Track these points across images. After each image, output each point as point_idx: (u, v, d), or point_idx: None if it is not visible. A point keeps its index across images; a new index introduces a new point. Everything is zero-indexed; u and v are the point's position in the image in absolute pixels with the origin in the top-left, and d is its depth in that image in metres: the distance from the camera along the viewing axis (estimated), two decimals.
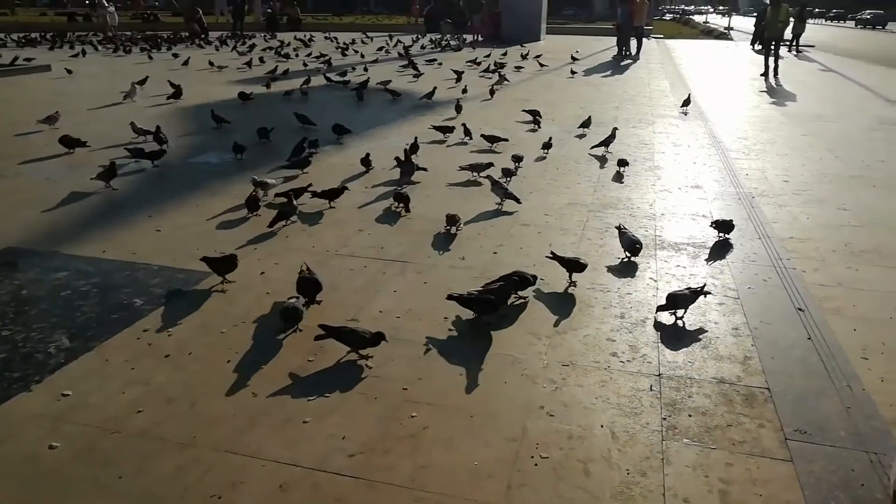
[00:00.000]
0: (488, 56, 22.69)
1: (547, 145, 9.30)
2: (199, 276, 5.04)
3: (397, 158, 7.99)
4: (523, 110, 11.83)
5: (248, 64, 19.83)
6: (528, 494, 2.91)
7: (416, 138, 9.22)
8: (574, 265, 5.01)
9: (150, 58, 22.49)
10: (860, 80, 18.47)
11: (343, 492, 2.92)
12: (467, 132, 10.02)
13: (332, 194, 6.82)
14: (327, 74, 16.54)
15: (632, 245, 5.47)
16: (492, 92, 14.59)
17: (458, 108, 12.06)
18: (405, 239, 5.95)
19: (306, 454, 3.16)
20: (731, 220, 6.10)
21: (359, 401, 3.59)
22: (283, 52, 24.03)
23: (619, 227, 5.72)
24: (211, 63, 19.75)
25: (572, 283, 4.99)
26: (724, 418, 3.43)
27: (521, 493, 2.92)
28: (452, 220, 6.07)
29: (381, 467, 3.08)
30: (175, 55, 22.38)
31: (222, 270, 4.94)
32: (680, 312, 4.49)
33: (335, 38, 30.77)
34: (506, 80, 16.28)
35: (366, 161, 8.24)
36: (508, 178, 7.65)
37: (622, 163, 8.30)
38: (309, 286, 4.60)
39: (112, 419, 3.41)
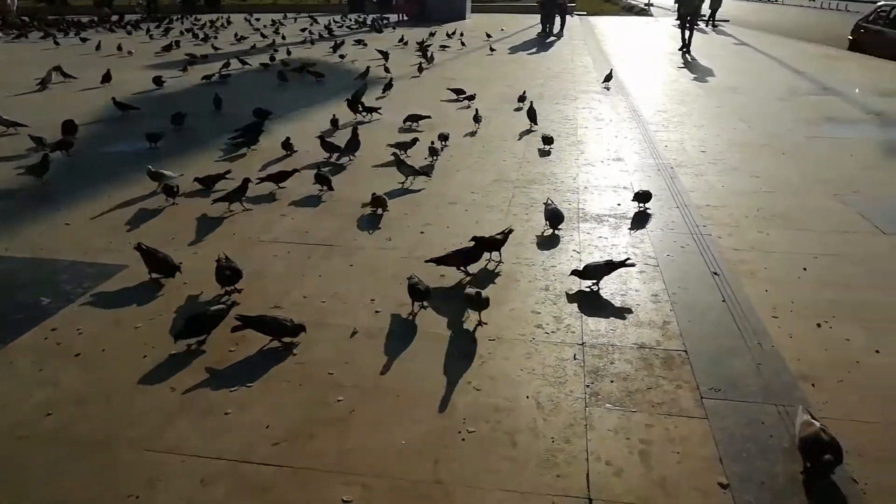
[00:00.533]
0: (402, 40, 22.49)
1: (476, 118, 9.39)
2: (112, 270, 4.83)
3: (320, 137, 7.93)
4: (448, 88, 11.81)
5: (167, 48, 19.03)
6: (456, 469, 2.93)
7: (334, 115, 9.34)
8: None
9: (57, 43, 21.26)
10: (771, 52, 19.21)
11: (268, 481, 2.87)
12: (368, 109, 10.08)
13: (280, 177, 6.72)
14: (242, 58, 15.98)
15: (553, 216, 5.58)
16: (420, 69, 14.57)
17: (388, 87, 12.16)
18: (330, 222, 5.86)
19: (229, 446, 3.09)
20: (649, 191, 6.26)
21: (283, 388, 3.52)
22: (201, 36, 23.15)
23: (546, 203, 5.81)
24: (119, 48, 18.82)
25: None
26: (644, 382, 3.54)
27: (449, 468, 2.94)
28: (378, 201, 6.01)
29: (307, 453, 3.04)
30: (84, 39, 21.19)
31: (162, 269, 4.72)
32: (590, 283, 4.58)
33: (257, 19, 29.86)
34: (431, 59, 16.17)
35: (287, 145, 8.06)
36: (435, 157, 7.66)
37: (546, 139, 8.39)
38: (227, 275, 4.46)
39: (19, 424, 3.24)
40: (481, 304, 4.12)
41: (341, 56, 17.40)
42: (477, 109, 9.73)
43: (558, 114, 10.53)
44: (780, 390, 3.43)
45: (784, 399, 3.35)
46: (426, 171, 7.06)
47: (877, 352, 3.88)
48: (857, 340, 3.99)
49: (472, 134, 9.10)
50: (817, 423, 2.92)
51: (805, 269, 4.97)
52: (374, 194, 6.05)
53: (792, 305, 4.43)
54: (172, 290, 4.58)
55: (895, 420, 3.27)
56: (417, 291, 4.23)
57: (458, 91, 11.46)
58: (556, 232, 5.61)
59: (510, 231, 5.11)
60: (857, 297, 4.53)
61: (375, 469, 2.92)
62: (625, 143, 8.72)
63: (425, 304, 4.32)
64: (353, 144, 7.82)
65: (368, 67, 13.82)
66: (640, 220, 5.93)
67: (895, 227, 5.76)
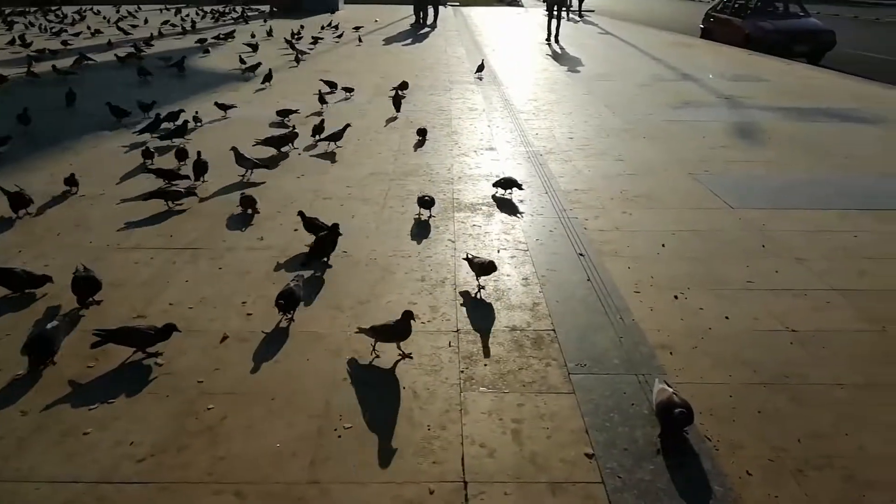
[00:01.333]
0: (270, 32, 21.91)
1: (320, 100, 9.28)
2: None
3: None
4: (321, 80, 11.62)
5: (11, 42, 17.50)
6: (332, 467, 2.91)
7: (196, 112, 9.07)
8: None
9: None
10: (632, 41, 20.30)
11: (132, 500, 2.72)
12: (223, 107, 9.74)
13: (169, 175, 6.41)
14: (87, 53, 14.78)
15: (422, 201, 5.75)
16: (297, 60, 14.35)
17: (268, 78, 12.15)
18: (197, 224, 5.61)
19: (88, 467, 2.90)
20: (513, 178, 6.44)
21: (148, 401, 3.35)
22: (53, 30, 21.45)
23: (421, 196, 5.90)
24: None
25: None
26: (516, 363, 3.66)
27: (325, 466, 2.91)
28: (248, 201, 5.82)
29: (176, 466, 2.91)
30: None
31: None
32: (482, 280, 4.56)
33: (117, 10, 28.04)
34: (304, 52, 15.83)
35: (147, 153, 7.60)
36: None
37: (421, 132, 8.45)
38: (85, 286, 4.18)
39: None
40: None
41: (206, 51, 16.66)
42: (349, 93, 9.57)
43: (433, 105, 10.63)
44: (640, 361, 3.65)
45: (644, 368, 3.57)
46: (266, 163, 7.02)
47: (726, 318, 4.21)
48: (709, 309, 4.31)
49: (348, 127, 9.00)
50: (670, 389, 3.14)
51: (663, 245, 5.30)
52: (242, 193, 5.85)
53: (652, 280, 4.72)
54: (27, 306, 4.23)
55: (742, 380, 3.56)
56: (292, 297, 4.07)
57: (332, 84, 11.30)
58: (430, 220, 5.69)
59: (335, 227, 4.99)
60: (709, 268, 4.89)
61: (248, 476, 2.85)
62: (497, 133, 8.94)
63: (290, 314, 4.14)
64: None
65: (259, 63, 13.38)
66: (511, 208, 6.10)
67: (741, 202, 6.26)
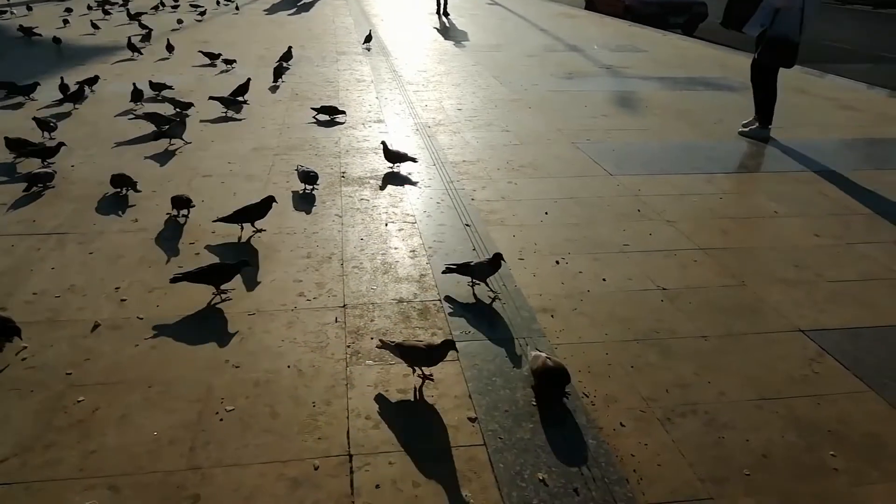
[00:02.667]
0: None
1: (241, 90, 8.80)
2: None
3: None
4: (200, 52, 11.08)
5: None
6: (213, 451, 2.84)
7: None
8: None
9: None
10: (519, 11, 20.60)
11: None
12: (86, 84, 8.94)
13: (47, 153, 5.96)
14: None
15: (307, 176, 5.66)
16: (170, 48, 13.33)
17: (132, 48, 11.39)
18: (62, 208, 5.25)
19: None
20: (399, 151, 6.41)
21: (10, 398, 3.13)
22: None
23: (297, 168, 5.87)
24: None
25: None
26: (403, 334, 3.68)
27: (206, 451, 2.83)
28: (120, 180, 5.47)
29: (42, 465, 2.75)
30: None
31: None
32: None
33: None
34: (147, 28, 14.29)
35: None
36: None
37: (327, 109, 8.11)
38: None
39: None
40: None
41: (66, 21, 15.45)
42: (249, 79, 9.07)
43: (319, 76, 10.39)
44: (520, 325, 3.77)
45: (524, 332, 3.69)
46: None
47: (603, 280, 4.41)
48: (587, 272, 4.51)
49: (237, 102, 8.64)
50: (543, 354, 3.26)
51: (546, 212, 5.47)
52: (113, 174, 5.51)
53: (535, 247, 4.87)
54: None
55: (617, 338, 3.76)
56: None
57: (212, 55, 10.79)
58: (316, 194, 5.61)
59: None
60: (588, 233, 5.10)
61: (123, 468, 2.73)
62: (386, 105, 8.86)
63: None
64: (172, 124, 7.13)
65: (151, 30, 12.51)
66: (399, 181, 6.09)
67: (619, 169, 6.54)
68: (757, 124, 7.85)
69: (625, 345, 3.71)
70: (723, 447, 2.96)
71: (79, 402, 3.11)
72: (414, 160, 6.40)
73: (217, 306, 3.94)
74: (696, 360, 3.58)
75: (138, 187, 5.51)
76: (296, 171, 5.78)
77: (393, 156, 6.32)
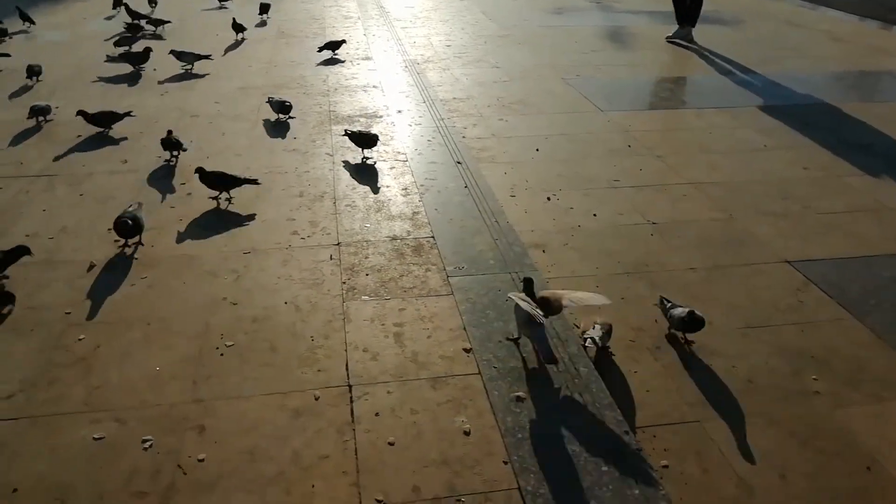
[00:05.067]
0: None
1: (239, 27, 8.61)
2: None
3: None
4: None
5: None
6: (215, 384, 2.90)
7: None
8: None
9: None
10: None
11: (1, 438, 2.61)
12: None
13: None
14: None
15: (281, 106, 5.76)
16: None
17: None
18: (49, 150, 5.19)
19: None
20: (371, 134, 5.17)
21: (11, 338, 3.17)
22: None
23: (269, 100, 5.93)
24: None
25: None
26: (397, 270, 3.73)
27: (208, 384, 2.90)
28: (100, 118, 5.38)
29: (47, 400, 2.81)
30: None
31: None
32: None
33: None
34: None
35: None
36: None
37: (332, 45, 7.96)
38: None
39: None
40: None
41: None
42: (234, 18, 8.87)
43: (305, 13, 10.14)
44: (513, 260, 3.82)
45: (516, 267, 3.74)
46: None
47: (594, 215, 4.45)
48: (578, 208, 4.54)
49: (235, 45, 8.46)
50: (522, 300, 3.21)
51: (538, 149, 5.47)
52: (82, 112, 5.38)
53: (527, 184, 4.88)
54: None
55: (608, 271, 3.83)
56: (125, 227, 3.76)
57: None
58: (289, 121, 5.81)
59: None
60: (579, 169, 5.11)
61: (127, 402, 2.80)
62: (374, 42, 8.70)
63: (134, 242, 3.94)
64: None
65: None
66: (390, 118, 6.03)
67: (610, 104, 6.51)
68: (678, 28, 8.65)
69: (615, 277, 3.78)
70: (709, 373, 3.06)
71: (79, 339, 3.16)
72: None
73: (215, 246, 3.95)
74: (685, 291, 3.66)
75: (184, 146, 5.15)
76: (268, 102, 5.86)
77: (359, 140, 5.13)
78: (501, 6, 11.17)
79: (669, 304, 3.32)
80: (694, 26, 8.49)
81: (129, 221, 3.76)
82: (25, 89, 6.62)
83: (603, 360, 3.13)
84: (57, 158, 5.05)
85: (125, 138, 5.45)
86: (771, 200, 4.68)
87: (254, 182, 4.47)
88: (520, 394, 2.83)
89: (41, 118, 5.63)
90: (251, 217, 4.28)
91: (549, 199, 4.66)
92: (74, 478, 2.42)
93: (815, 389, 2.98)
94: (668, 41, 8.55)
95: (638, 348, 3.23)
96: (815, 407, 2.89)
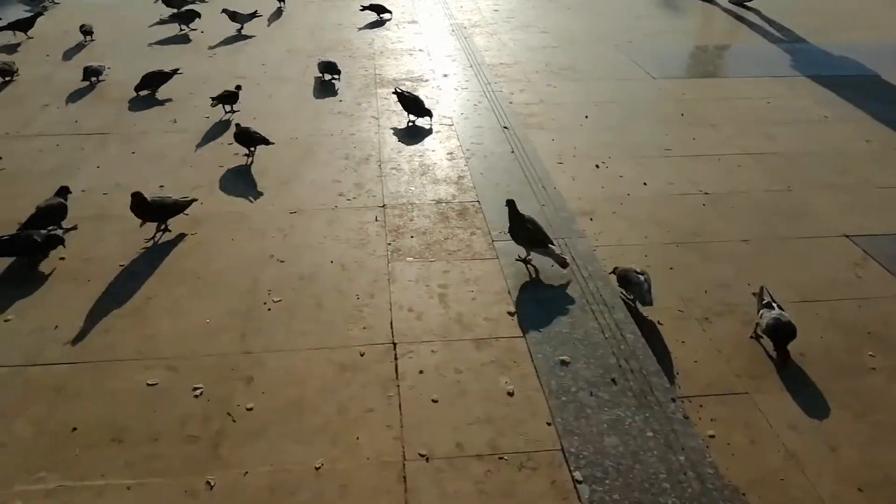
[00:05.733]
0: None
1: None
2: None
3: None
4: None
5: None
6: (263, 337, 2.95)
7: None
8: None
9: None
10: None
11: (61, 380, 2.71)
12: None
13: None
14: None
15: (328, 66, 5.83)
16: None
17: None
18: (103, 109, 5.29)
19: (12, 352, 2.85)
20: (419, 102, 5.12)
21: (69, 288, 3.27)
22: None
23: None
24: None
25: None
26: (442, 233, 3.72)
27: (256, 337, 2.95)
28: (152, 78, 5.49)
29: (103, 347, 2.89)
30: None
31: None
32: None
33: None
34: None
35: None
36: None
37: (375, 8, 7.90)
38: None
39: None
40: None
41: None
42: None
43: None
44: (560, 226, 3.77)
45: (563, 233, 3.69)
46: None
47: (644, 184, 4.36)
48: (628, 176, 4.45)
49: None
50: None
51: (587, 116, 5.36)
52: (143, 76, 5.48)
53: (574, 151, 4.80)
54: None
55: (657, 241, 3.75)
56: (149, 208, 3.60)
57: None
58: (334, 81, 5.88)
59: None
60: (630, 137, 4.99)
61: (179, 351, 2.87)
62: (419, 5, 8.59)
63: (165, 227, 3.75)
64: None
65: None
66: (436, 82, 5.98)
67: (662, 72, 6.33)
68: None
69: (664, 247, 3.70)
70: (760, 346, 2.99)
71: (133, 291, 3.24)
72: (429, 113, 5.08)
73: (262, 205, 3.99)
74: (737, 262, 3.57)
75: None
76: (317, 64, 5.91)
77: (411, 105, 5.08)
78: None
79: (766, 301, 3.02)
80: None
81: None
82: (80, 48, 6.75)
83: (650, 329, 3.08)
84: (110, 118, 5.15)
85: (170, 100, 5.51)
86: (830, 173, 4.51)
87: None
88: (564, 357, 2.80)
89: (94, 78, 5.73)
90: (297, 178, 4.30)
91: (597, 166, 4.57)
92: (130, 420, 2.50)
93: (871, 366, 2.89)
94: (731, 2, 8.38)
95: (686, 318, 3.17)
96: (870, 382, 2.80)
